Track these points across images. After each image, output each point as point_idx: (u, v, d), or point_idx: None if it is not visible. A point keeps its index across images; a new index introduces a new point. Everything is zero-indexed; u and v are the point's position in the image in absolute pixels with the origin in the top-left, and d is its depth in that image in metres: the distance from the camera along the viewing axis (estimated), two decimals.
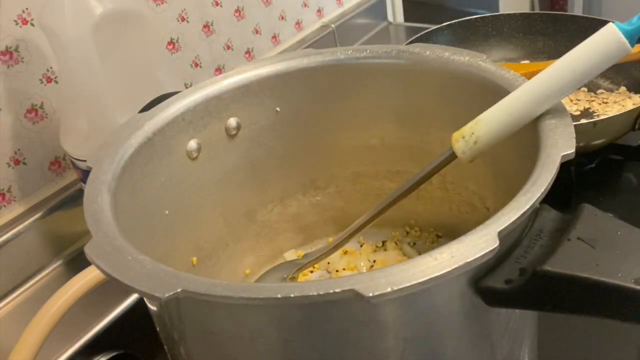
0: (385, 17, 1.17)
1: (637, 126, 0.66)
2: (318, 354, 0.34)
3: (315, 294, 0.29)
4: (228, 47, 0.86)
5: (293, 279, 0.53)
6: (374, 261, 0.57)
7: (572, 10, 1.91)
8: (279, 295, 0.30)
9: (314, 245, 0.60)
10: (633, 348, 0.52)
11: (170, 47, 0.78)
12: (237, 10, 0.87)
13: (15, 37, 0.61)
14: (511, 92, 0.41)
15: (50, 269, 0.63)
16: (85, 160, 0.59)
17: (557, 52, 0.83)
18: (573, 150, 0.36)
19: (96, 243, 0.35)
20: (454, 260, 0.30)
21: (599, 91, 0.80)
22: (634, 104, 0.76)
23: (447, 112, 0.50)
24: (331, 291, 0.29)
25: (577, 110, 0.77)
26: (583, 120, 0.64)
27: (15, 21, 0.61)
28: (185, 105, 0.48)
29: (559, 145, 0.37)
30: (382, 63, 0.51)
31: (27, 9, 0.62)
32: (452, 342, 0.36)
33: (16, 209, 0.63)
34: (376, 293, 0.29)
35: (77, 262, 0.64)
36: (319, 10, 1.03)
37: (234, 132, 0.51)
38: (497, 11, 1.77)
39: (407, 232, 0.60)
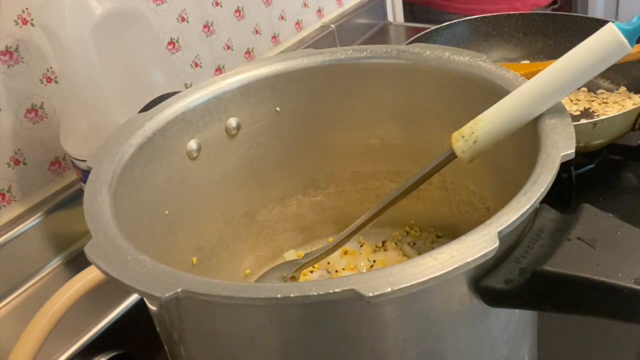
0: (385, 17, 1.17)
1: (637, 126, 0.66)
2: (318, 354, 0.34)
3: (315, 294, 0.29)
4: (228, 47, 0.86)
5: (293, 278, 0.53)
6: (374, 261, 0.57)
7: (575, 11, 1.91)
8: (279, 295, 0.30)
9: (314, 245, 0.60)
10: (633, 348, 0.52)
11: (170, 47, 0.78)
12: (237, 10, 0.87)
13: (15, 37, 0.61)
14: (511, 92, 0.41)
15: (50, 269, 0.63)
16: (85, 160, 0.59)
17: (557, 52, 0.83)
18: (573, 150, 0.36)
19: (96, 243, 0.35)
20: (454, 260, 0.30)
21: (599, 91, 0.80)
22: (634, 104, 0.76)
23: (447, 112, 0.50)
24: (331, 291, 0.29)
25: (577, 110, 0.77)
26: (583, 120, 0.64)
27: (15, 21, 0.61)
28: (185, 105, 0.48)
29: (559, 145, 0.37)
30: (382, 63, 0.51)
31: (27, 9, 0.62)
32: (452, 342, 0.36)
33: (16, 209, 0.63)
34: (376, 293, 0.29)
35: (77, 262, 0.64)
36: (319, 10, 1.03)
37: (234, 132, 0.51)
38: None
39: (407, 232, 0.60)
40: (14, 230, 0.61)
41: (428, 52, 0.49)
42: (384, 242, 0.59)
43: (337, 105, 0.53)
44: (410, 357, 0.35)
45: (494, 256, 0.31)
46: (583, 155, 0.70)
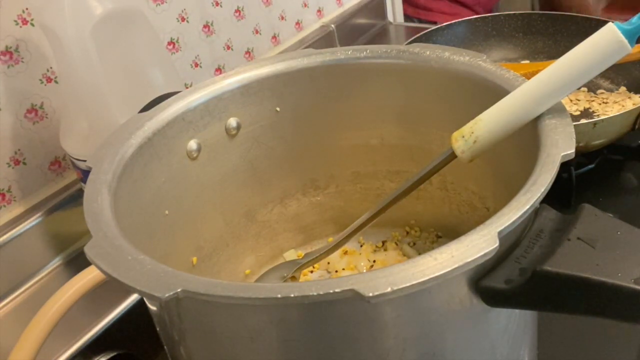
0: (385, 17, 1.17)
1: (637, 126, 0.66)
2: (318, 354, 0.34)
3: (315, 294, 0.29)
4: (228, 47, 0.86)
5: (293, 278, 0.53)
6: (374, 261, 0.57)
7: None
8: (279, 295, 0.30)
9: (314, 245, 0.60)
10: (633, 348, 0.52)
11: (170, 47, 0.78)
12: (237, 10, 0.87)
13: (15, 37, 0.61)
14: (511, 92, 0.41)
15: (50, 269, 0.63)
16: (85, 160, 0.59)
17: (557, 52, 0.83)
18: (573, 150, 0.36)
19: (96, 243, 0.35)
20: (454, 260, 0.30)
21: (599, 91, 0.80)
22: (634, 104, 0.76)
23: (447, 112, 0.50)
24: (331, 291, 0.29)
25: (577, 110, 0.77)
26: (583, 120, 0.64)
27: (15, 21, 0.61)
28: (185, 105, 0.48)
29: (559, 145, 0.37)
30: (382, 63, 0.51)
31: (27, 9, 0.62)
32: (452, 342, 0.36)
33: (16, 209, 0.63)
34: (376, 293, 0.29)
35: (77, 262, 0.64)
36: (319, 10, 1.03)
37: (234, 132, 0.51)
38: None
39: (407, 232, 0.60)
40: (14, 230, 0.61)
41: (428, 52, 0.49)
42: (384, 242, 0.59)
43: (337, 105, 0.53)
44: (410, 357, 0.34)
45: (494, 256, 0.31)
46: (583, 155, 0.70)
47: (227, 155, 0.52)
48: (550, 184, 0.34)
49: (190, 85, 0.67)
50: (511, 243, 0.35)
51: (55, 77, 0.65)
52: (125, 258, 0.33)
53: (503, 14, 0.90)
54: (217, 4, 0.83)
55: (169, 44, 0.78)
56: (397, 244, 0.59)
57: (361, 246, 0.59)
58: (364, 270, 0.56)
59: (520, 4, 1.73)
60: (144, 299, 0.40)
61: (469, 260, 0.30)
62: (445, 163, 0.45)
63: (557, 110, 0.39)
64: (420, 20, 1.38)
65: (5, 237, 0.60)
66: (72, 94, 0.58)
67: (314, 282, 0.31)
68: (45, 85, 0.64)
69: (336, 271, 0.57)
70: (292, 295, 0.29)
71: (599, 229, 0.34)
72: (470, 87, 0.47)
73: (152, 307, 0.39)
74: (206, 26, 0.82)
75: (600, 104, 0.78)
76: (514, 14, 0.90)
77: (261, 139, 0.53)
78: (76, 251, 0.65)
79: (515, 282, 0.33)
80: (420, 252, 0.57)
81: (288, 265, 0.54)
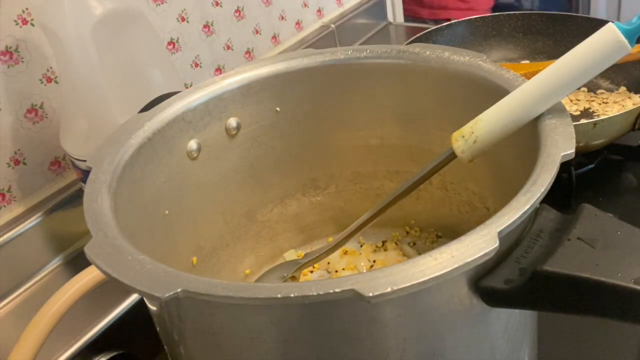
0: (385, 17, 1.17)
1: (637, 126, 0.66)
2: (318, 354, 0.34)
3: (315, 294, 0.29)
4: (228, 47, 0.86)
5: (293, 278, 0.53)
6: (374, 261, 0.57)
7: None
8: (279, 295, 0.30)
9: (314, 245, 0.60)
10: (633, 348, 0.52)
11: (170, 47, 0.78)
12: (237, 10, 0.87)
13: (15, 37, 0.61)
14: (511, 92, 0.41)
15: (50, 269, 0.63)
16: (85, 160, 0.59)
17: (557, 52, 0.83)
18: (573, 150, 0.36)
19: (96, 243, 0.35)
20: (454, 260, 0.30)
21: (599, 91, 0.80)
22: (634, 104, 0.76)
23: (447, 112, 0.50)
24: (331, 291, 0.29)
25: (577, 110, 0.77)
26: (583, 120, 0.64)
27: (15, 21, 0.61)
28: (185, 105, 0.48)
29: (559, 145, 0.37)
30: (382, 63, 0.51)
31: (27, 9, 0.62)
32: (451, 342, 0.36)
33: (16, 209, 0.63)
34: (376, 293, 0.29)
35: (77, 262, 0.64)
36: (319, 10, 1.03)
37: (234, 132, 0.51)
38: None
39: (407, 232, 0.60)
40: (14, 230, 0.61)
41: (428, 52, 0.49)
42: (384, 242, 0.59)
43: (337, 105, 0.53)
44: (410, 357, 0.35)
45: (494, 256, 0.31)
46: (583, 155, 0.70)
47: (227, 155, 0.52)
48: (550, 184, 0.34)
49: (190, 85, 0.67)
50: (511, 243, 0.35)
51: (55, 77, 0.65)
52: (125, 258, 0.33)
53: (503, 14, 0.90)
54: (217, 4, 0.83)
55: (169, 44, 0.78)
56: (397, 244, 0.59)
57: (361, 246, 0.59)
58: (364, 270, 0.56)
59: None
60: (144, 299, 0.40)
61: (469, 260, 0.30)
62: (445, 163, 0.45)
63: (557, 110, 0.39)
64: (437, 21, 1.37)
65: (5, 237, 0.60)
66: (72, 94, 0.58)
67: (314, 282, 0.31)
68: (45, 85, 0.64)
69: (336, 271, 0.57)
70: (292, 295, 0.29)
71: (599, 229, 0.34)
72: (470, 87, 0.47)
73: (152, 307, 0.39)
74: (206, 26, 0.82)
75: (600, 104, 0.78)
76: (514, 14, 0.90)
77: (261, 139, 0.53)
78: (76, 251, 0.65)
79: (515, 282, 0.33)
80: (420, 252, 0.57)
81: (288, 265, 0.54)
